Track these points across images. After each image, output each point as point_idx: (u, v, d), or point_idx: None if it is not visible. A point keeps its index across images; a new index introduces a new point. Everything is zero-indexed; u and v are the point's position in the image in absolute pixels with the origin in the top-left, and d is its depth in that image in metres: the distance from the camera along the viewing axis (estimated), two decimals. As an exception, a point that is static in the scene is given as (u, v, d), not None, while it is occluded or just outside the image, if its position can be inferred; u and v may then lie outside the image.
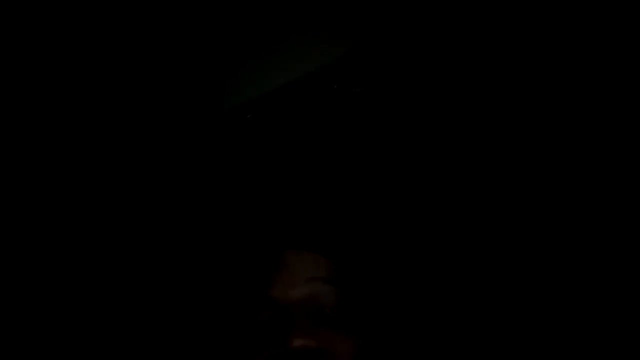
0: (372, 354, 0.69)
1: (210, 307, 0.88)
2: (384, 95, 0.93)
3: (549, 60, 0.86)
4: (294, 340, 0.63)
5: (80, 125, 0.96)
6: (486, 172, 0.88)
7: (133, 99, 0.97)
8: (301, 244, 0.72)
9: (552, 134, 0.86)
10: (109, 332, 0.92)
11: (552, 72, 0.87)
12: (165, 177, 0.98)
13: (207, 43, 0.94)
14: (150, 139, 0.97)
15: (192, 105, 0.98)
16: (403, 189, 0.90)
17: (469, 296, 0.84)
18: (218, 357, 0.79)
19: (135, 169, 0.97)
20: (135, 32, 0.92)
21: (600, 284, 0.80)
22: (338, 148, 0.93)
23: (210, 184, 0.98)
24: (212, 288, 0.90)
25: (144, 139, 0.98)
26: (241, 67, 0.95)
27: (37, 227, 0.94)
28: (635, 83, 0.82)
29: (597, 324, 0.78)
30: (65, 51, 0.92)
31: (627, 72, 0.83)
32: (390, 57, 0.91)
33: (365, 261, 0.77)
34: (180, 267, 0.95)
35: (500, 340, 0.81)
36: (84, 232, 0.95)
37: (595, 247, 0.81)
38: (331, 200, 0.89)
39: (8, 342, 0.89)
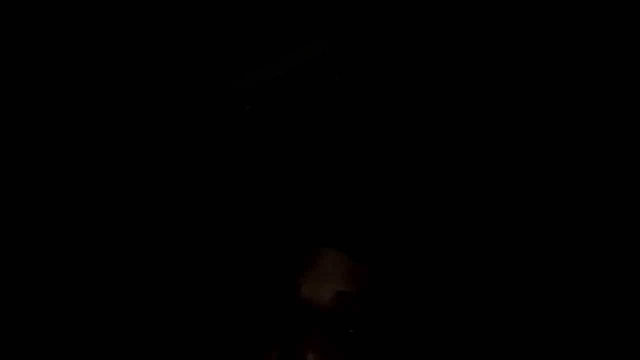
0: None
1: (226, 302, 0.86)
2: (385, 85, 0.92)
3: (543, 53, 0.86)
4: (308, 353, 0.58)
5: (80, 120, 0.96)
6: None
7: (132, 91, 0.97)
8: (333, 242, 0.65)
9: (552, 132, 0.86)
10: (115, 332, 0.92)
11: (548, 68, 0.87)
12: (167, 170, 0.98)
13: (206, 34, 0.94)
14: (151, 132, 0.97)
15: (192, 97, 0.98)
16: (414, 187, 0.88)
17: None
18: (230, 351, 0.76)
19: (135, 162, 0.97)
20: (135, 23, 0.92)
21: (600, 284, 0.79)
22: (346, 139, 0.92)
23: (214, 176, 0.97)
24: (224, 285, 0.88)
25: (144, 131, 0.98)
26: (241, 57, 0.95)
27: (37, 226, 0.94)
28: (636, 83, 0.82)
29: (597, 324, 0.78)
30: (66, 46, 0.92)
31: (627, 72, 0.83)
32: (390, 48, 0.91)
33: (405, 274, 0.70)
34: (186, 263, 0.95)
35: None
36: (83, 229, 0.95)
37: (595, 247, 0.81)
38: (336, 193, 0.86)
39: (8, 342, 0.89)
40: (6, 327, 0.90)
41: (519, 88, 0.88)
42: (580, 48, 0.85)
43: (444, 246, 0.83)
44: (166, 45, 0.96)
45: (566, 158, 0.85)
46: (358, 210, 0.79)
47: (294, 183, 0.92)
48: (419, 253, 0.79)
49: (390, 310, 0.65)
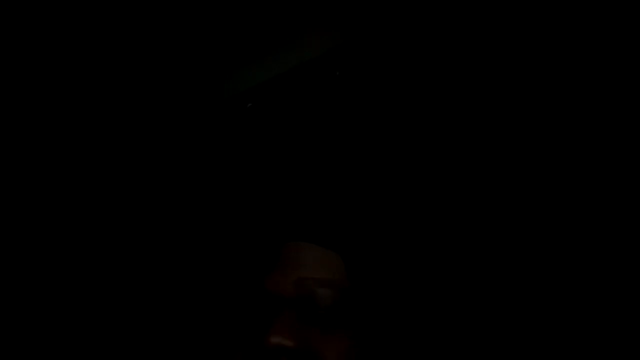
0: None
1: (209, 300, 0.87)
2: (385, 82, 0.92)
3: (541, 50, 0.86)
4: (271, 337, 0.62)
5: (80, 117, 0.96)
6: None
7: (133, 90, 0.97)
8: (311, 236, 0.69)
9: (552, 132, 0.86)
10: (107, 332, 0.92)
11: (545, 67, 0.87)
12: (166, 168, 0.98)
13: (207, 31, 0.94)
14: (151, 130, 0.97)
15: (193, 94, 0.97)
16: (410, 182, 0.88)
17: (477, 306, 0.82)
18: (209, 350, 0.78)
19: (135, 160, 0.97)
20: (135, 22, 0.92)
21: (600, 284, 0.79)
22: (343, 136, 0.92)
23: (211, 173, 0.97)
24: (212, 281, 0.89)
25: (144, 130, 0.97)
26: (242, 55, 0.95)
27: (37, 227, 0.94)
28: (636, 83, 0.82)
29: (597, 324, 0.78)
30: (66, 45, 0.92)
31: (627, 72, 0.82)
32: (390, 45, 0.91)
33: (377, 262, 0.72)
34: (179, 260, 0.95)
35: (499, 343, 0.81)
36: (83, 226, 0.95)
37: (595, 247, 0.81)
38: (339, 192, 0.87)
39: (8, 342, 0.89)
40: (6, 327, 0.90)
41: (518, 84, 0.88)
42: (580, 48, 0.85)
43: (420, 236, 0.84)
44: (167, 42, 0.96)
45: (557, 158, 0.85)
46: (351, 206, 0.81)
47: (294, 180, 0.92)
48: (398, 245, 0.81)
49: (367, 296, 0.68)
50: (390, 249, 0.72)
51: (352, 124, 0.93)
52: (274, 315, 0.65)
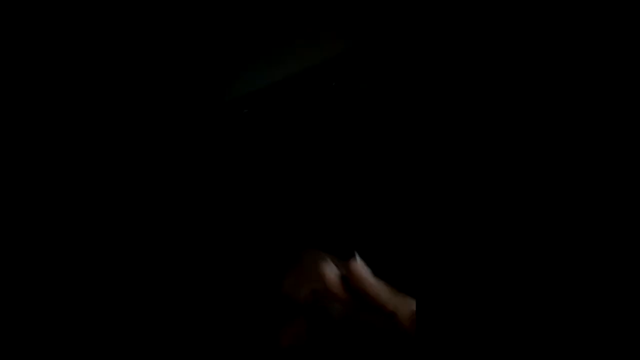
0: None
1: (221, 302, 0.87)
2: (384, 92, 0.92)
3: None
4: (282, 337, 0.63)
5: (77, 119, 0.96)
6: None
7: (130, 91, 0.97)
8: (332, 248, 0.70)
9: (551, 132, 0.86)
10: (115, 333, 0.92)
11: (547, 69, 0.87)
12: (165, 173, 0.98)
13: (207, 35, 0.94)
14: (148, 134, 0.98)
15: (191, 98, 0.98)
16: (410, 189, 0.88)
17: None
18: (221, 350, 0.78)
19: (133, 164, 0.97)
20: (134, 23, 0.92)
21: (600, 284, 0.79)
22: (344, 145, 0.92)
23: (213, 179, 0.97)
24: (222, 284, 0.90)
25: (141, 133, 0.98)
26: (240, 61, 0.95)
27: (37, 226, 0.94)
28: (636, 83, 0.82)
29: (597, 324, 0.78)
30: (64, 42, 0.92)
31: (627, 72, 0.83)
32: (389, 55, 0.91)
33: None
34: (182, 265, 0.95)
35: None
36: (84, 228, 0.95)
37: (595, 247, 0.81)
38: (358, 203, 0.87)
39: (8, 342, 0.90)
40: (6, 327, 0.90)
41: (515, 90, 0.88)
42: (580, 48, 0.85)
43: (436, 248, 0.84)
44: (165, 44, 0.96)
45: (564, 158, 0.85)
46: (355, 214, 0.81)
47: (291, 187, 0.92)
48: (412, 256, 0.80)
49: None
50: (412, 270, 0.73)
51: (349, 133, 0.93)
52: (286, 317, 0.66)
